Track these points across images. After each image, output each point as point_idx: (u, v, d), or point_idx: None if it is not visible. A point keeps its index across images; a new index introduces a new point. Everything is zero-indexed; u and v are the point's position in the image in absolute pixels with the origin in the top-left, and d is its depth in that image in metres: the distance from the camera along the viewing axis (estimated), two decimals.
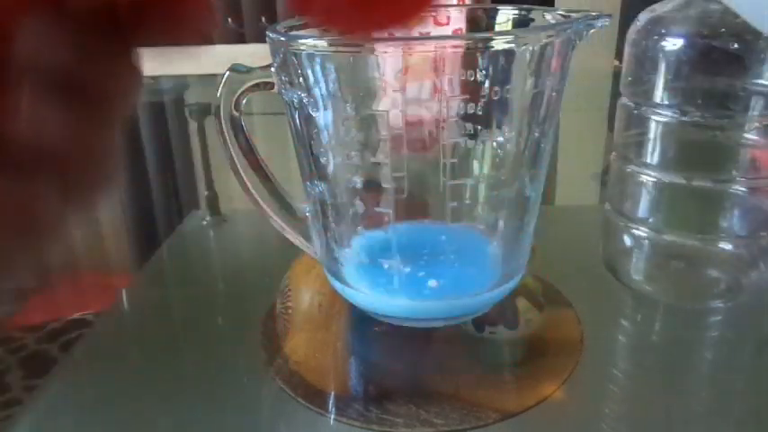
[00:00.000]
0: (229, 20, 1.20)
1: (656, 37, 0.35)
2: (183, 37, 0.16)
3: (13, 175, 0.13)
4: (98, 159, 0.15)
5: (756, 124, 0.34)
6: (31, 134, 0.13)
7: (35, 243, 0.14)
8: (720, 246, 0.37)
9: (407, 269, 0.31)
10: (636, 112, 0.37)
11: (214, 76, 0.32)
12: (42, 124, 0.14)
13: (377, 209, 0.31)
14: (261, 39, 0.33)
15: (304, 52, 0.28)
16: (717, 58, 0.33)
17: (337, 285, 0.34)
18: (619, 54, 0.88)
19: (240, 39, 1.21)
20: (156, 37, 0.16)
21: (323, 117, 0.29)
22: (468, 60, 0.27)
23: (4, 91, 0.13)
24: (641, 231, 0.38)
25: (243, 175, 0.33)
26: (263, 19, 1.20)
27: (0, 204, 0.13)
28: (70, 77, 0.14)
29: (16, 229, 0.14)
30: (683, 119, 0.34)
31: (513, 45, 0.27)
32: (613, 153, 0.40)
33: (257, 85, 0.31)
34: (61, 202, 0.15)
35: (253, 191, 0.33)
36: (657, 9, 0.36)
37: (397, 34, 0.27)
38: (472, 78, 0.27)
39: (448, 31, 0.40)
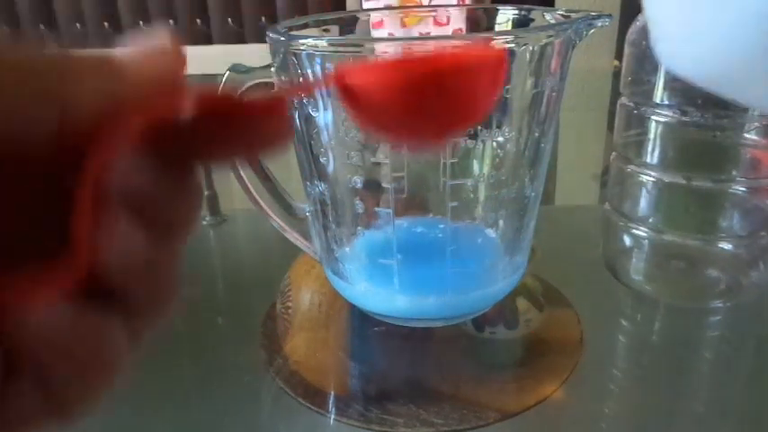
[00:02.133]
0: (229, 20, 1.20)
1: None
2: (252, 155, 0.15)
3: (85, 306, 0.13)
4: (164, 285, 0.15)
5: (756, 124, 0.34)
6: (117, 261, 0.13)
7: (95, 376, 0.14)
8: (720, 246, 0.37)
9: (407, 269, 0.31)
10: (636, 112, 0.37)
11: (214, 76, 0.32)
12: (126, 252, 0.13)
13: (377, 209, 0.31)
14: (261, 39, 0.33)
15: (304, 52, 0.28)
16: None
17: (337, 285, 0.34)
18: (619, 54, 0.88)
19: (240, 39, 1.21)
20: (230, 153, 0.15)
21: (323, 117, 0.29)
22: None
23: (96, 222, 0.12)
24: (641, 231, 0.38)
25: (243, 175, 0.33)
26: (263, 19, 1.20)
27: (69, 335, 0.13)
28: (145, 201, 0.14)
29: (80, 363, 0.13)
30: (683, 119, 0.34)
31: (513, 45, 0.27)
32: (613, 153, 0.40)
33: (257, 85, 0.31)
34: (125, 330, 0.14)
35: (253, 191, 0.33)
36: None
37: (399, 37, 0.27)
38: None
39: (448, 31, 0.40)
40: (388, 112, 0.16)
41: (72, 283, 0.12)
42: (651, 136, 0.37)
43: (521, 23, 0.34)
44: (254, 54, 0.34)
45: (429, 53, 0.17)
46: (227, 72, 0.31)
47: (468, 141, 0.29)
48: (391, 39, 0.28)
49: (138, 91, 0.13)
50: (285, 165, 0.40)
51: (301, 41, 0.28)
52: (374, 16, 0.40)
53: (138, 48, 0.13)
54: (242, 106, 0.14)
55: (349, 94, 0.16)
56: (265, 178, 0.33)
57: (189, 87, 0.14)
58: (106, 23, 1.25)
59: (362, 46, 0.28)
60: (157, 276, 0.14)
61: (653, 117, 0.36)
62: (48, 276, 0.12)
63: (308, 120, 0.30)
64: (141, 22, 1.24)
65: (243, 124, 0.14)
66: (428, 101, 0.16)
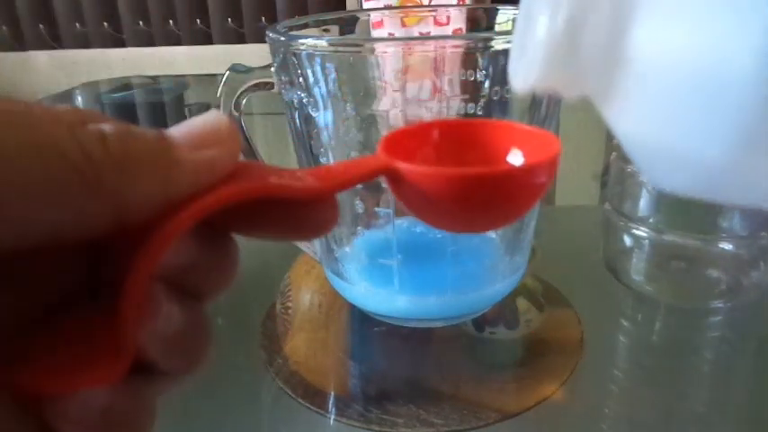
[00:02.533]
0: (229, 20, 1.20)
1: None
2: (296, 238, 0.16)
3: (122, 383, 0.13)
4: (197, 348, 0.15)
5: None
6: (158, 341, 0.13)
7: None
8: (721, 246, 0.37)
9: (407, 269, 0.31)
10: None
11: (214, 76, 0.32)
12: (167, 329, 0.13)
13: (377, 209, 0.31)
14: (261, 39, 0.33)
15: (304, 52, 0.28)
16: None
17: (337, 285, 0.34)
18: None
19: (240, 39, 1.21)
20: (274, 234, 0.15)
21: (323, 117, 0.29)
22: (468, 60, 0.27)
23: (144, 311, 0.13)
24: (641, 231, 0.38)
25: None
26: (263, 19, 1.20)
27: (106, 414, 0.13)
28: (188, 278, 0.14)
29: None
30: None
31: None
32: (613, 153, 0.40)
33: (257, 85, 0.31)
34: (156, 394, 0.14)
35: None
36: None
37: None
38: (472, 78, 0.27)
39: (448, 30, 0.40)
40: (438, 211, 0.16)
41: (117, 374, 0.12)
42: None
43: None
44: (254, 54, 0.34)
45: (484, 166, 0.17)
46: (227, 72, 0.31)
47: None
48: (391, 39, 0.28)
49: (194, 181, 0.13)
50: (285, 165, 0.40)
51: (301, 41, 0.28)
52: (374, 16, 0.40)
53: (193, 132, 0.13)
54: (293, 196, 0.14)
55: (399, 187, 0.16)
56: None
57: (243, 176, 0.13)
58: (106, 23, 1.25)
59: (362, 46, 0.28)
60: (191, 342, 0.14)
61: None
62: (93, 364, 0.12)
63: (308, 120, 0.30)
64: (141, 23, 1.24)
65: (292, 213, 0.14)
66: (480, 207, 0.16)
